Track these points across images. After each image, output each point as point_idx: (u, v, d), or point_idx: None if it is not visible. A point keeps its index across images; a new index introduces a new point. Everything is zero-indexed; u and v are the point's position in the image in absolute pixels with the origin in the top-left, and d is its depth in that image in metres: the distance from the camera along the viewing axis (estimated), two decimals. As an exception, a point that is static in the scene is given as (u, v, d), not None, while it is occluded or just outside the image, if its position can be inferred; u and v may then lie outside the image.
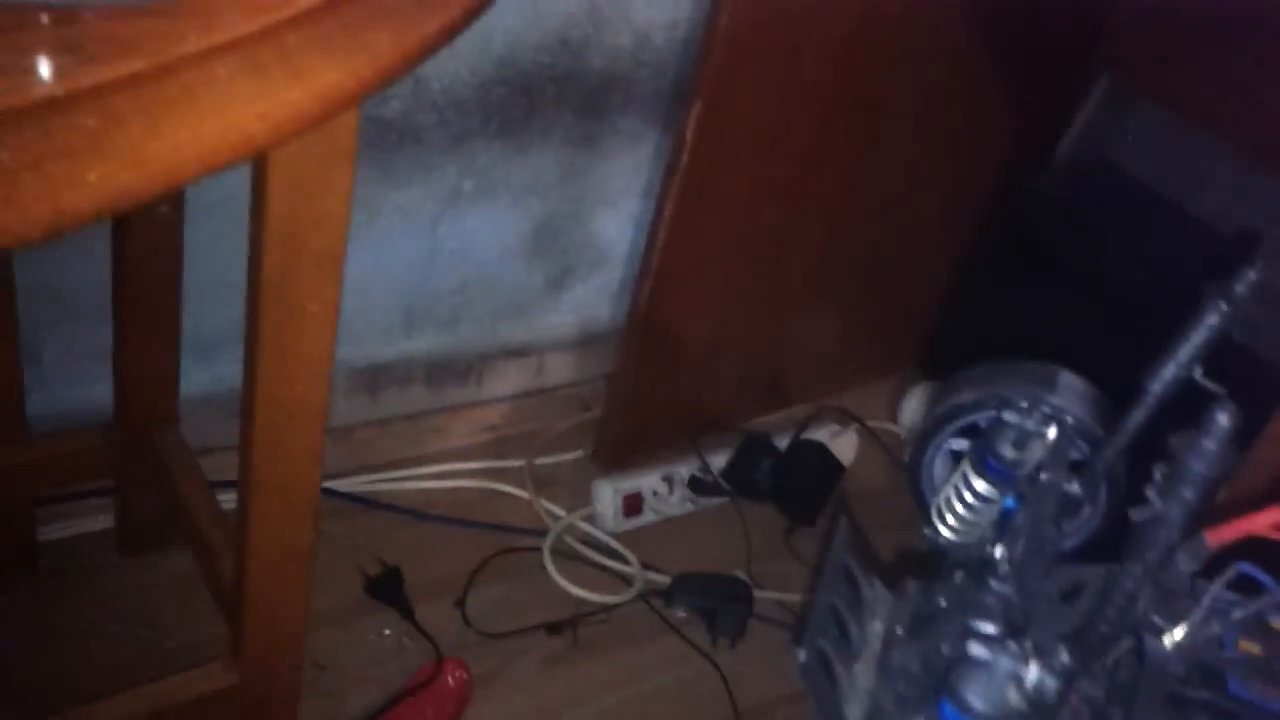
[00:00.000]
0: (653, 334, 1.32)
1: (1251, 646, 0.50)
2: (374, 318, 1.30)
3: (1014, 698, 0.42)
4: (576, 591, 1.29)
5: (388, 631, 1.22)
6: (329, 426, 1.33)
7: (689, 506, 1.39)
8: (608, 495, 1.35)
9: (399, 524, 1.32)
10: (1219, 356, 1.46)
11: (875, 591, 0.46)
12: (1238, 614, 0.47)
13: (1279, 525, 0.46)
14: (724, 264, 1.32)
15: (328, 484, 1.32)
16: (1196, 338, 0.49)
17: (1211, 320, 0.50)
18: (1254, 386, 1.06)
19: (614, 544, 1.34)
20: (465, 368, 1.38)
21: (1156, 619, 0.48)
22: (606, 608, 1.28)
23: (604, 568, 1.33)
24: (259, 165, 0.64)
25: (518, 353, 1.41)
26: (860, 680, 0.44)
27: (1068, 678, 0.43)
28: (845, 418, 1.50)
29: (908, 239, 1.49)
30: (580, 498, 1.38)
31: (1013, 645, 0.42)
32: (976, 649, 0.42)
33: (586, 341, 1.44)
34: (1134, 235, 1.47)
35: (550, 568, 1.30)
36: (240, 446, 0.79)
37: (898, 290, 1.56)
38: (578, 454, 1.43)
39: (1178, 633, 0.47)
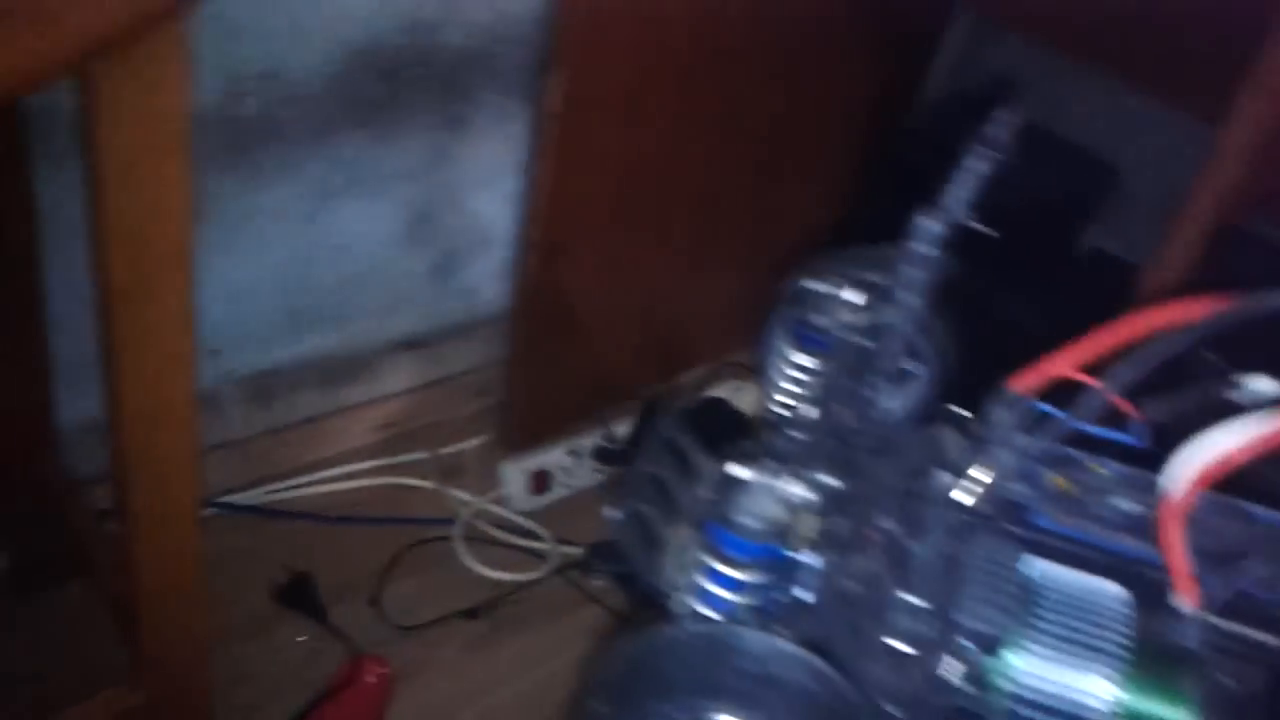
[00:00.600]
0: (543, 310, 1.32)
1: (1061, 481, 0.52)
2: (258, 323, 1.27)
3: (776, 511, 0.44)
4: (492, 574, 1.28)
5: (302, 638, 1.20)
6: (224, 440, 1.32)
7: (598, 477, 1.40)
8: (515, 475, 1.34)
9: (306, 530, 1.30)
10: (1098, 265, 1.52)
11: (703, 460, 0.47)
12: (1034, 447, 0.49)
13: (1079, 364, 0.48)
14: (607, 231, 1.32)
15: (229, 498, 1.29)
16: (964, 184, 0.51)
17: (976, 166, 0.52)
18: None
19: (526, 523, 1.34)
20: (358, 365, 1.36)
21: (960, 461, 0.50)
22: (524, 586, 1.27)
23: (518, 547, 1.32)
24: (90, 163, 0.62)
25: (411, 344, 1.39)
26: (683, 539, 0.45)
27: (836, 497, 0.45)
28: (744, 371, 1.52)
29: (788, 189, 1.51)
30: (489, 482, 1.37)
31: (771, 463, 0.44)
32: (736, 469, 0.43)
33: (480, 325, 1.43)
34: (1006, 163, 1.51)
35: (462, 554, 1.29)
36: (112, 463, 0.77)
37: (784, 240, 1.58)
38: (483, 439, 1.42)
39: (979, 472, 0.49)
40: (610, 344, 1.41)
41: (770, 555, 0.44)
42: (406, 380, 1.40)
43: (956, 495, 0.52)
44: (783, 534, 0.45)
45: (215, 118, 1.12)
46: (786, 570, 0.46)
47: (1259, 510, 0.52)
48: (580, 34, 1.16)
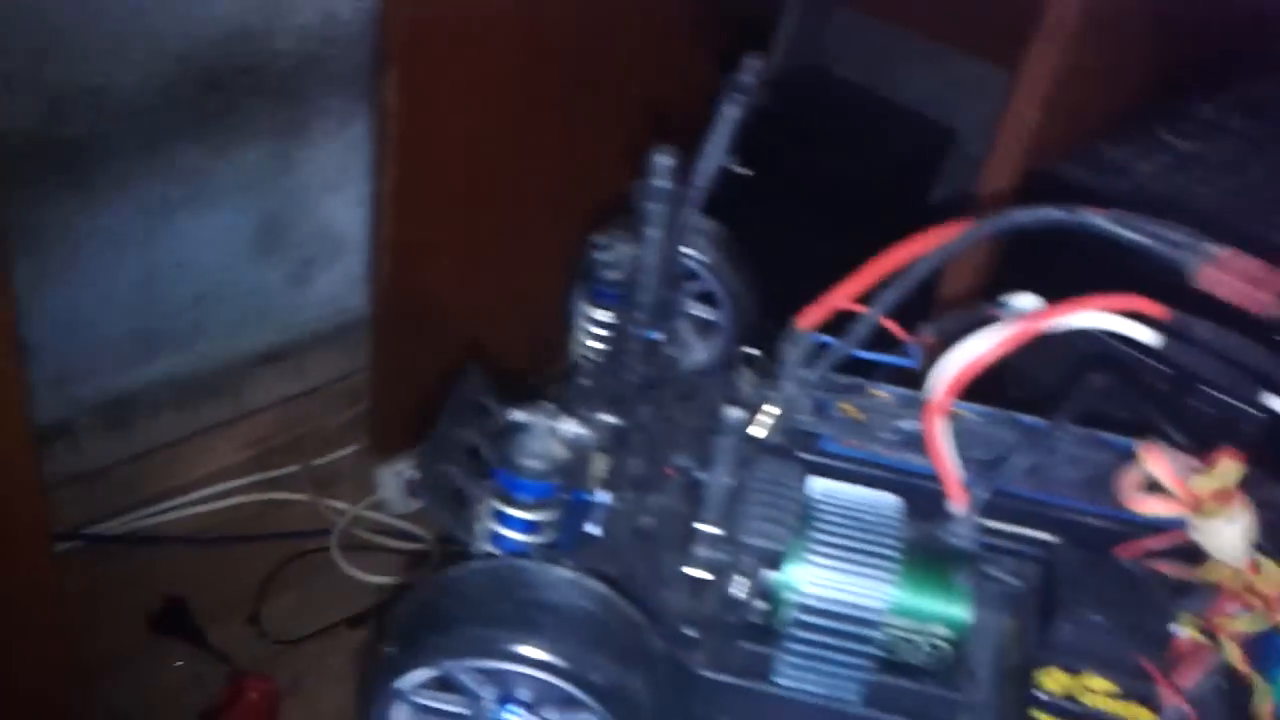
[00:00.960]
0: (404, 310, 1.31)
1: (849, 408, 0.55)
2: (107, 349, 1.24)
3: (556, 450, 0.45)
4: (375, 580, 1.27)
5: (180, 663, 1.18)
6: (84, 471, 1.28)
7: (475, 473, 1.40)
8: (390, 480, 1.33)
9: (179, 555, 1.28)
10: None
11: (500, 412, 0.48)
12: (816, 378, 0.52)
13: (854, 296, 0.51)
14: (460, 225, 1.32)
15: (95, 529, 1.26)
16: (723, 131, 0.53)
17: (730, 113, 0.54)
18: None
19: (406, 525, 1.33)
20: (219, 383, 1.34)
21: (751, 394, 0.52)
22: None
23: (400, 550, 1.32)
24: None
25: (273, 358, 1.38)
26: (485, 491, 0.47)
27: (631, 440, 0.46)
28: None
29: (635, 173, 1.53)
30: (366, 489, 1.36)
31: (549, 406, 0.45)
32: (516, 413, 0.45)
33: (344, 333, 1.42)
34: (849, 133, 1.56)
35: (342, 563, 1.28)
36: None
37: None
38: (355, 447, 1.40)
39: (769, 406, 0.51)
40: (476, 337, 1.41)
41: (556, 494, 0.46)
42: (272, 394, 1.38)
43: (749, 429, 0.54)
44: (569, 473, 0.46)
45: (40, 138, 1.09)
46: (576, 508, 0.47)
47: (1022, 416, 0.56)
48: (410, 29, 1.17)
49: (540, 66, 1.31)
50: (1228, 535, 0.45)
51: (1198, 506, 0.46)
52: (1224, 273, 0.48)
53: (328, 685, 1.19)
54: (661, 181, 0.47)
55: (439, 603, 0.42)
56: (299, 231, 1.33)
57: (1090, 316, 0.48)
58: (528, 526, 0.45)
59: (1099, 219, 0.50)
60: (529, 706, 0.42)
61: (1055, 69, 0.97)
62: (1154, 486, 0.48)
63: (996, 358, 0.48)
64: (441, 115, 1.22)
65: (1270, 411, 0.51)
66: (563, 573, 0.41)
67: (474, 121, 1.26)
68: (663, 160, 0.47)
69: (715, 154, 0.51)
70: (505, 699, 0.42)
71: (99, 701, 1.09)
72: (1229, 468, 0.45)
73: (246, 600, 1.24)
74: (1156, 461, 0.47)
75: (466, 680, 0.42)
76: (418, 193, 1.26)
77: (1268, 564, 0.46)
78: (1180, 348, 0.49)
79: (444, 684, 0.43)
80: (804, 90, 1.60)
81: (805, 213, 1.48)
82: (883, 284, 0.54)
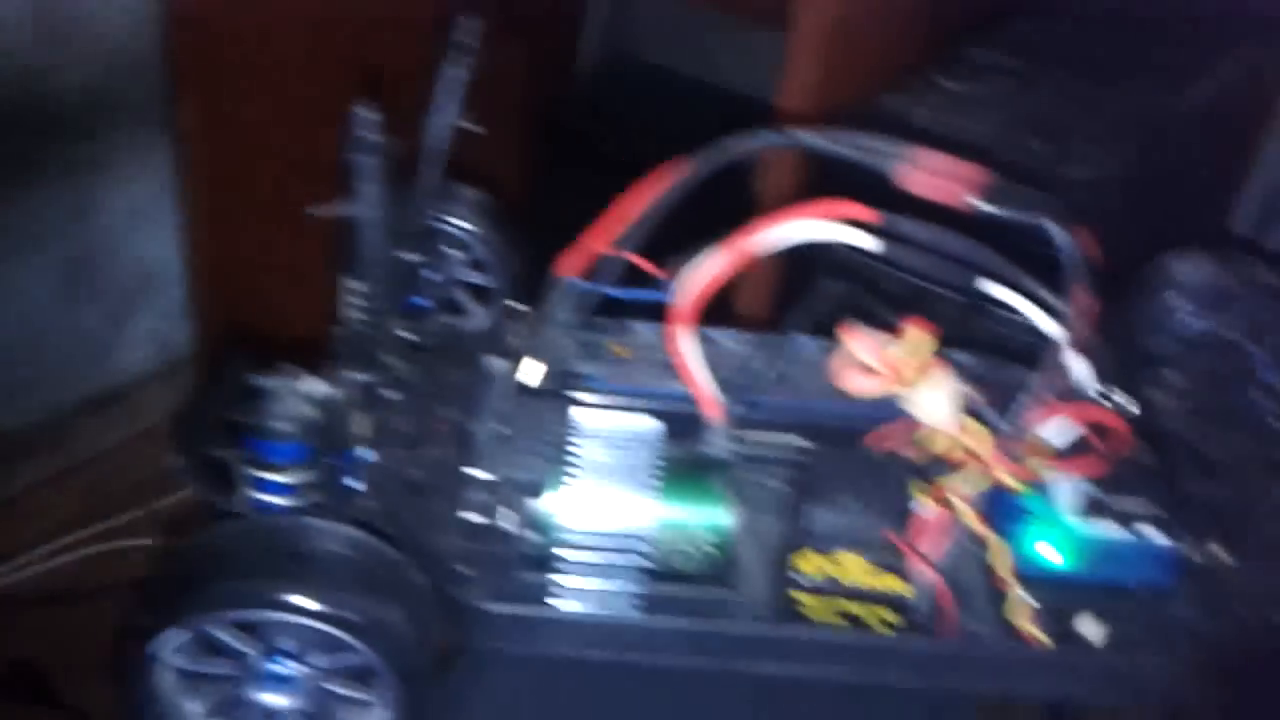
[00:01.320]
0: (229, 338, 1.29)
1: (618, 348, 0.58)
2: (-84, 415, 1.19)
3: (305, 411, 0.47)
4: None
5: (36, 727, 1.14)
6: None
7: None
8: (239, 508, 1.31)
9: (23, 616, 1.23)
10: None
11: (256, 381, 0.49)
12: (576, 321, 0.54)
13: (609, 239, 0.53)
14: (279, 245, 1.31)
15: (-71, 602, 1.20)
16: (450, 89, 0.55)
17: (454, 74, 0.56)
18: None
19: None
20: (45, 437, 1.29)
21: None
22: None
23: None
24: None
25: (101, 403, 1.34)
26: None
27: (371, 391, 0.48)
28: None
29: (464, 178, 1.54)
30: (216, 523, 1.33)
31: (292, 369, 0.47)
32: (258, 378, 0.46)
33: (173, 369, 1.39)
34: (665, 116, 1.61)
35: (197, 598, 1.25)
36: None
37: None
38: (202, 482, 1.37)
39: (535, 353, 0.54)
40: (311, 355, 1.40)
41: (310, 456, 0.47)
42: (104, 440, 1.34)
43: (519, 377, 0.56)
44: (325, 434, 0.47)
45: None
46: (340, 468, 0.49)
47: (770, 337, 0.59)
48: (198, 52, 1.16)
49: (341, 75, 1.30)
50: (933, 402, 0.50)
51: (901, 379, 0.50)
52: (919, 171, 0.52)
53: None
54: (366, 134, 0.49)
55: (186, 564, 0.43)
56: (111, 272, 1.30)
57: (804, 227, 0.52)
58: (286, 489, 0.46)
59: (806, 136, 0.54)
60: (296, 657, 0.43)
61: (827, 25, 1.01)
62: (863, 368, 0.52)
63: (724, 275, 0.52)
64: (244, 133, 1.22)
65: (986, 298, 0.56)
66: (310, 521, 0.43)
67: (278, 136, 1.25)
68: (365, 114, 0.49)
69: (444, 114, 0.53)
70: (270, 653, 0.43)
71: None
72: (918, 336, 0.50)
73: (101, 654, 1.21)
74: (855, 340, 0.51)
75: (226, 638, 0.42)
76: (229, 219, 1.24)
77: (972, 424, 0.50)
78: (895, 248, 0.53)
79: (209, 648, 0.43)
80: (616, 78, 1.64)
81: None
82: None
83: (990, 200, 0.51)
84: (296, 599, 0.41)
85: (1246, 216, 1.22)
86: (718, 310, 0.64)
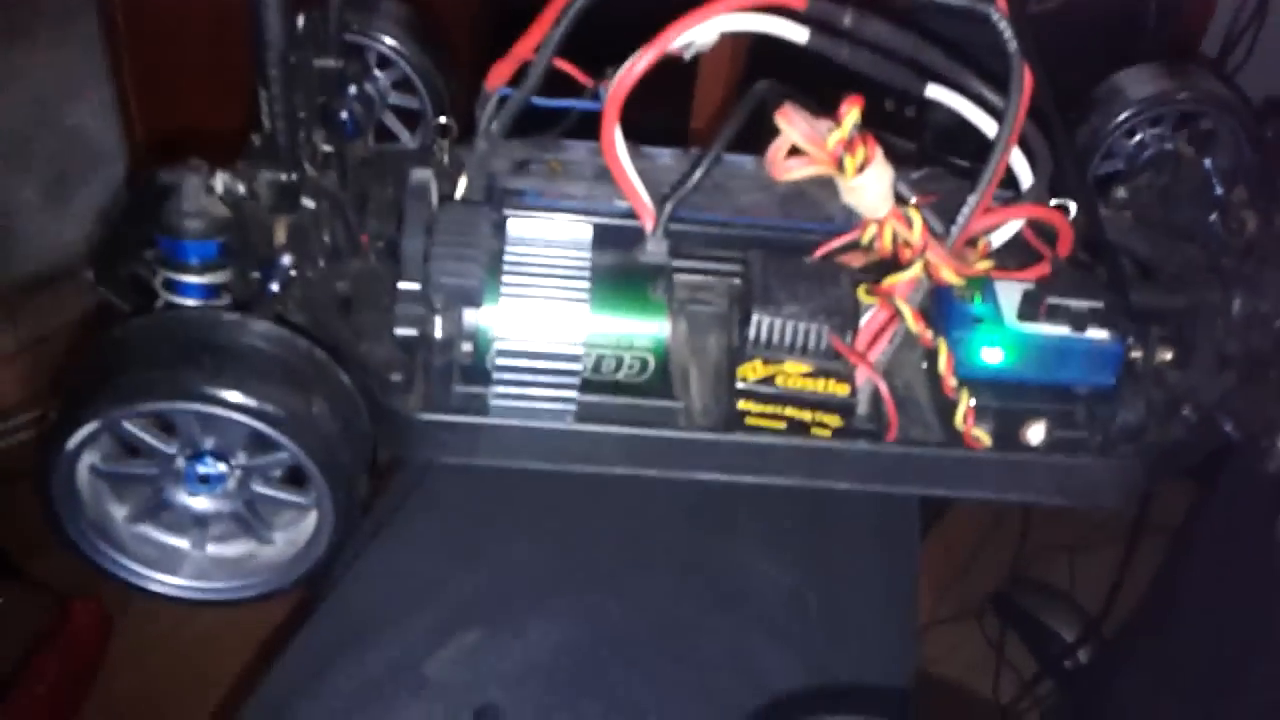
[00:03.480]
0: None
1: (553, 163, 0.56)
2: None
3: (215, 208, 0.45)
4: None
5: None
6: None
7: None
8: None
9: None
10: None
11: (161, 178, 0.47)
12: (498, 132, 0.53)
13: (536, 45, 0.51)
14: (212, 108, 1.25)
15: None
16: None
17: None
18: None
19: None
20: (-11, 316, 1.27)
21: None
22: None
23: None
24: None
25: (43, 282, 1.30)
26: None
27: (286, 191, 0.46)
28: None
29: None
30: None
31: (199, 163, 0.45)
32: (163, 173, 0.45)
33: (119, 247, 1.35)
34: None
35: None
36: None
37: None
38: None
39: (468, 166, 0.52)
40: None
41: (223, 255, 0.45)
42: (49, 321, 1.32)
43: (455, 194, 0.54)
44: (239, 233, 0.45)
45: None
46: (257, 270, 0.47)
47: (703, 150, 0.57)
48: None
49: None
50: (870, 186, 0.48)
51: (836, 163, 0.48)
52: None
53: (157, 603, 1.17)
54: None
55: (98, 360, 0.41)
56: (44, 145, 1.25)
57: (732, 20, 0.49)
58: (201, 290, 0.44)
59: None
60: (221, 456, 0.42)
61: None
62: (797, 152, 0.50)
63: (646, 68, 0.49)
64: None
65: (926, 98, 0.54)
66: (225, 314, 0.41)
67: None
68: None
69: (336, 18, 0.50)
70: (194, 454, 0.42)
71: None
72: (850, 113, 0.48)
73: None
74: (789, 120, 0.49)
75: (143, 435, 0.41)
76: (164, 85, 1.19)
77: (914, 214, 0.49)
78: (829, 41, 0.51)
79: (130, 450, 0.42)
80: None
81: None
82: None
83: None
84: (208, 388, 0.40)
85: (1213, 39, 1.20)
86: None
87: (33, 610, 1.14)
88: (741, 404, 0.51)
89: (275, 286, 0.46)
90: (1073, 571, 1.36)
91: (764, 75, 0.55)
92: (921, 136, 0.93)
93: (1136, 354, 0.54)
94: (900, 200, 0.51)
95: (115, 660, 1.15)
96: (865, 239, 0.51)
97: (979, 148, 0.54)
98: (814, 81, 0.54)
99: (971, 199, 0.51)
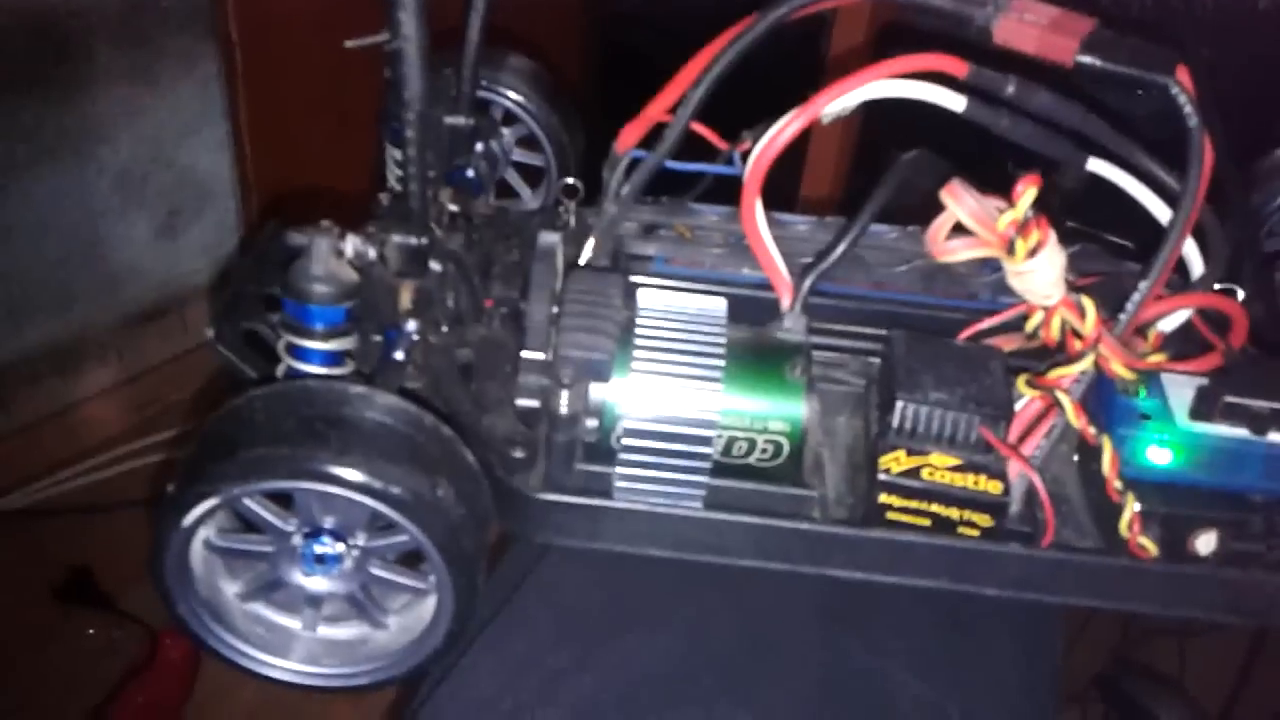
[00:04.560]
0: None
1: (681, 229, 0.54)
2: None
3: (341, 269, 0.43)
4: (284, 525, 1.24)
5: (92, 631, 1.14)
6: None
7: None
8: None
9: (79, 525, 1.23)
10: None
11: (289, 239, 0.45)
12: (632, 195, 0.50)
13: (671, 107, 0.49)
14: (325, 151, 1.27)
15: (-11, 509, 1.22)
16: None
17: None
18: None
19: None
20: (98, 347, 1.29)
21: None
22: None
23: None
24: None
25: (152, 315, 1.33)
26: None
27: (415, 255, 0.44)
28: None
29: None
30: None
31: (329, 226, 0.43)
32: (292, 234, 0.43)
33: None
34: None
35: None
36: None
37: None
38: (254, 397, 1.36)
39: (595, 231, 0.50)
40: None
41: (350, 321, 0.43)
42: (157, 354, 1.34)
43: (580, 260, 0.52)
44: (367, 300, 0.44)
45: None
46: (382, 337, 0.45)
47: (843, 219, 0.54)
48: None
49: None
50: (1039, 271, 0.44)
51: (1006, 245, 0.45)
52: (1022, 23, 0.47)
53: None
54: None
55: (219, 432, 0.39)
56: (160, 182, 1.27)
57: (885, 86, 0.46)
58: (325, 357, 0.43)
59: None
60: (339, 536, 0.40)
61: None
62: (961, 231, 0.47)
63: (794, 135, 0.47)
64: (286, 39, 1.18)
65: (1089, 174, 0.50)
66: (350, 387, 0.39)
67: (325, 44, 1.21)
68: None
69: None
70: (312, 532, 0.40)
71: (11, 677, 1.07)
72: (1026, 192, 0.44)
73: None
74: (957, 198, 0.45)
75: (261, 511, 0.39)
76: (275, 129, 1.21)
77: (1088, 303, 0.45)
78: (987, 110, 0.48)
79: (247, 526, 0.40)
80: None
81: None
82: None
83: (1104, 56, 0.45)
84: (333, 468, 0.38)
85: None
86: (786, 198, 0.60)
87: (124, 642, 1.14)
88: (883, 497, 0.47)
89: (400, 355, 0.44)
90: (1183, 658, 1.28)
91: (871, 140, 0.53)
92: (1049, 203, 0.88)
93: (1320, 459, 0.49)
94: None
95: (203, 694, 1.15)
96: (1030, 327, 0.47)
97: (1115, 215, 0.50)
98: (929, 144, 0.51)
99: (1143, 285, 0.47)
